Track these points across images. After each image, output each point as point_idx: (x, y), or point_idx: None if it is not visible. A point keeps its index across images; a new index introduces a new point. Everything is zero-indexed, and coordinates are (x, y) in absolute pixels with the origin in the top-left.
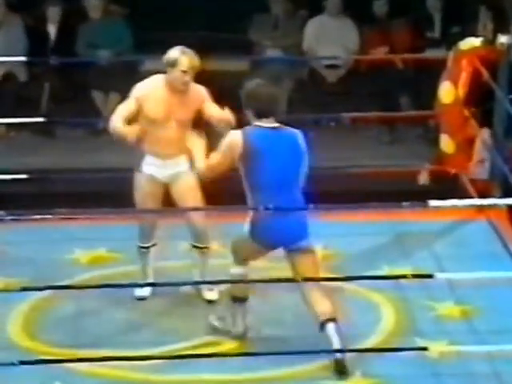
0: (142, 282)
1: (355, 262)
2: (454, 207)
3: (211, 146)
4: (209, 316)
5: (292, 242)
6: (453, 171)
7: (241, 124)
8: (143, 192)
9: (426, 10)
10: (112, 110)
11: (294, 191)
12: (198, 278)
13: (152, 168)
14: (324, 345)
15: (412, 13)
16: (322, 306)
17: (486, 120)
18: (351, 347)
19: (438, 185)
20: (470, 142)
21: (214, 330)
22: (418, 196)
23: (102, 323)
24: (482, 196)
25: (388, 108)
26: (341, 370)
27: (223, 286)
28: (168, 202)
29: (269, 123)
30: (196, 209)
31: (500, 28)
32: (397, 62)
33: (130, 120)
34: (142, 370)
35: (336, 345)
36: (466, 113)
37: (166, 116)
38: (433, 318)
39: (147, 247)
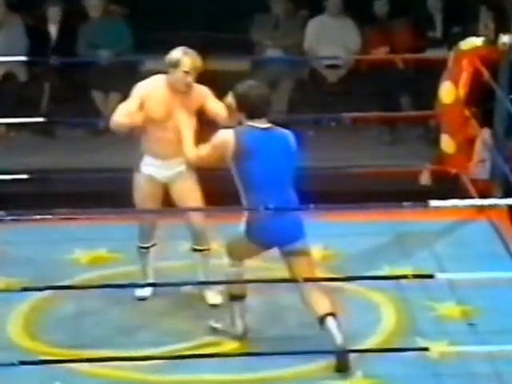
0: (142, 282)
1: (356, 262)
2: (455, 207)
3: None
4: (209, 318)
5: (288, 241)
6: (453, 171)
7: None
8: (143, 192)
9: (427, 10)
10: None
11: (288, 191)
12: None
13: (151, 168)
14: (325, 345)
15: (413, 13)
16: (321, 303)
17: (486, 120)
18: (352, 347)
19: (438, 185)
20: (470, 142)
21: (215, 331)
22: (419, 196)
23: (102, 323)
24: (483, 196)
25: (389, 108)
26: (343, 367)
27: (222, 286)
28: (168, 202)
29: (260, 124)
30: (195, 209)
31: (501, 28)
32: (397, 62)
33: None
34: (143, 371)
35: (337, 337)
36: (467, 113)
37: (166, 116)
38: (433, 319)
39: (147, 247)
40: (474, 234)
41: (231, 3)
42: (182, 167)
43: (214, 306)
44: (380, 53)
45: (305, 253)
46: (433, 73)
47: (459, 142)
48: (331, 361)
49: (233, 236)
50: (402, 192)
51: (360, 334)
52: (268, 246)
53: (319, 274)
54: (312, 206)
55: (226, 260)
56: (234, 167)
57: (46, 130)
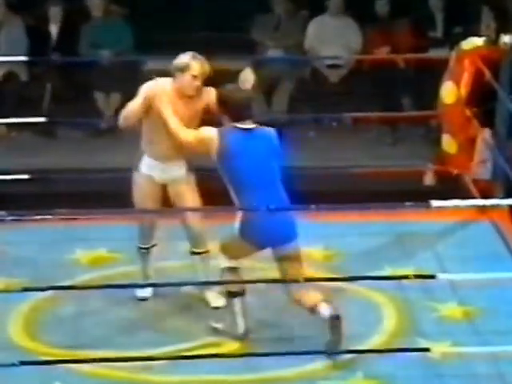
0: (142, 282)
1: (357, 262)
2: (457, 207)
3: None
4: (210, 319)
5: (281, 242)
6: (455, 171)
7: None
8: (142, 193)
9: (428, 10)
10: (113, 111)
11: (277, 190)
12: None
13: (150, 169)
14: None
15: (414, 12)
16: (311, 295)
17: (488, 120)
18: (353, 348)
19: (440, 185)
20: (472, 142)
21: (215, 332)
22: (420, 196)
23: (102, 324)
24: (485, 196)
25: (390, 108)
26: (336, 328)
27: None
28: (167, 203)
29: (244, 125)
30: (194, 209)
31: (502, 28)
32: (399, 61)
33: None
34: (143, 371)
35: (327, 312)
36: (469, 113)
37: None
38: (435, 319)
39: (147, 248)
40: (475, 234)
41: (232, 3)
42: (182, 169)
43: (216, 308)
44: (381, 53)
45: (296, 254)
46: (434, 73)
47: (461, 142)
48: (331, 361)
49: (227, 235)
50: (403, 192)
51: (361, 334)
52: (262, 247)
53: (308, 274)
54: (313, 206)
55: (220, 259)
56: (221, 168)
57: (47, 131)
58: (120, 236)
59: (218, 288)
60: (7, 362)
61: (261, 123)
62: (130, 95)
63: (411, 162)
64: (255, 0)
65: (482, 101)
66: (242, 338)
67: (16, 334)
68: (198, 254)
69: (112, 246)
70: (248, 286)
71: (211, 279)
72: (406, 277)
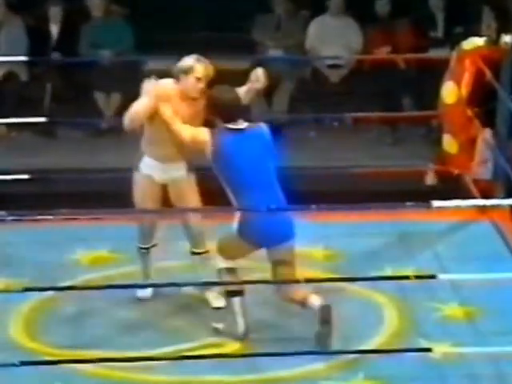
0: (143, 282)
1: (358, 262)
2: (457, 208)
3: None
4: (211, 319)
5: (280, 241)
6: (456, 171)
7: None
8: (142, 193)
9: (429, 10)
10: (114, 111)
11: (274, 188)
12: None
13: (150, 169)
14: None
15: (415, 12)
16: (301, 292)
17: (488, 120)
18: (354, 348)
19: (440, 185)
20: (473, 142)
21: (216, 332)
22: (421, 196)
23: (103, 324)
24: (485, 196)
25: (391, 108)
26: (326, 318)
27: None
28: (167, 203)
29: (236, 125)
30: (194, 210)
31: (503, 28)
32: (399, 61)
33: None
34: (144, 371)
35: (317, 303)
36: (469, 113)
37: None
38: (436, 319)
39: (147, 248)
40: (476, 234)
41: (233, 3)
42: (182, 170)
43: (217, 308)
44: (382, 53)
45: (292, 253)
46: (435, 73)
47: (461, 142)
48: (332, 361)
49: (224, 236)
50: (404, 192)
51: (362, 334)
52: (260, 245)
53: (299, 274)
54: (314, 206)
55: (217, 260)
56: (217, 169)
57: (48, 131)
58: (120, 236)
59: (218, 288)
60: (8, 362)
61: (251, 120)
62: (130, 95)
63: (412, 162)
64: (255, 0)
65: (483, 101)
66: (242, 337)
67: (16, 334)
68: (198, 254)
69: (112, 246)
70: (248, 287)
71: (211, 279)
72: (406, 277)
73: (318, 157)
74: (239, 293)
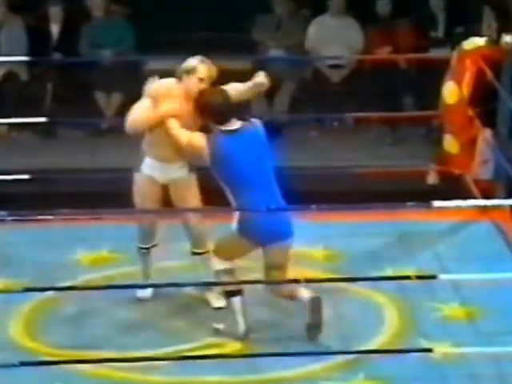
0: (143, 283)
1: (358, 262)
2: (458, 208)
3: None
4: (211, 319)
5: (280, 239)
6: (457, 172)
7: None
8: (142, 193)
9: (430, 10)
10: (115, 111)
11: (272, 185)
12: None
13: (151, 170)
14: (328, 346)
15: (415, 12)
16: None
17: (489, 120)
18: (354, 348)
19: (441, 185)
20: (473, 142)
21: (217, 332)
22: (422, 196)
23: (103, 324)
24: (486, 197)
25: (391, 108)
26: (316, 308)
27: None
28: (168, 204)
29: (230, 126)
30: (194, 210)
31: (504, 28)
32: (400, 61)
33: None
34: (145, 372)
35: (307, 295)
36: (470, 113)
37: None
38: (437, 320)
39: (147, 248)
40: (477, 234)
41: (233, 3)
42: (183, 170)
43: (218, 309)
44: (383, 53)
45: (287, 252)
46: (435, 73)
47: (462, 142)
48: (333, 361)
49: (222, 236)
50: (405, 192)
51: (362, 335)
52: (260, 244)
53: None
54: (314, 206)
55: (214, 261)
56: (215, 172)
57: (48, 131)
58: (121, 236)
59: (218, 289)
60: (8, 363)
61: (244, 118)
62: (131, 95)
63: (413, 162)
64: (256, 0)
65: (484, 101)
66: (242, 337)
67: (17, 334)
68: (199, 254)
69: (113, 247)
70: (247, 287)
71: (212, 280)
72: (407, 277)
73: (319, 157)
74: (238, 293)
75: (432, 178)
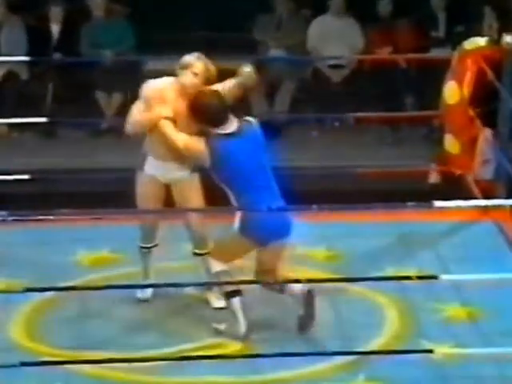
0: (143, 283)
1: (359, 262)
2: (459, 208)
3: None
4: (212, 320)
5: (281, 237)
6: (458, 172)
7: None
8: (145, 192)
9: (431, 10)
10: (115, 111)
11: (272, 184)
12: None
13: (153, 169)
14: (328, 346)
15: (416, 12)
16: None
17: (490, 120)
18: (355, 349)
19: (442, 185)
20: (474, 143)
21: (218, 333)
22: (423, 197)
23: (104, 325)
24: (487, 197)
25: (392, 108)
26: (310, 301)
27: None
28: (170, 204)
29: (226, 129)
30: (194, 210)
31: (505, 27)
32: (401, 61)
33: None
34: (145, 372)
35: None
36: (471, 113)
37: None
38: (438, 320)
39: (148, 248)
40: (478, 234)
41: (234, 3)
42: (185, 170)
43: (218, 309)
44: (383, 53)
45: (284, 249)
46: (436, 73)
47: (463, 142)
48: (333, 362)
49: (221, 238)
50: (406, 192)
51: (363, 335)
52: (263, 242)
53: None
54: (315, 206)
55: (212, 264)
56: (214, 174)
57: (49, 131)
58: (121, 237)
59: (218, 289)
60: (8, 363)
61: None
62: (131, 95)
63: (413, 162)
64: (257, 0)
65: (485, 101)
66: (244, 337)
67: (17, 334)
68: (200, 255)
69: (113, 247)
70: (248, 287)
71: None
72: (408, 278)
73: (320, 157)
74: (238, 293)
75: (433, 177)
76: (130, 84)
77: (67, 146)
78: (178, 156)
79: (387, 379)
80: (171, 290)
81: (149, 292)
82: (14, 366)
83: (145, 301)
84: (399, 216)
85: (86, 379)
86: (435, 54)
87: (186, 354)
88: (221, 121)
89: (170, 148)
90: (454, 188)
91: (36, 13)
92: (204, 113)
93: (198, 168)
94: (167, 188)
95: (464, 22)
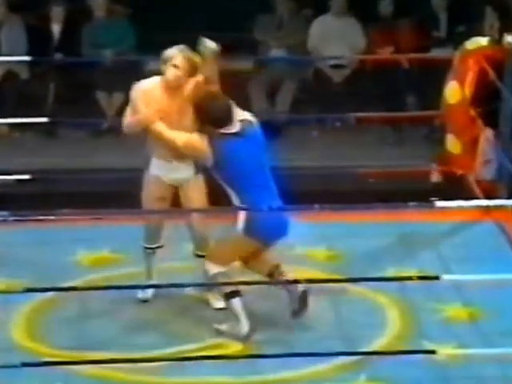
0: (144, 283)
1: (360, 263)
2: (460, 208)
3: None
4: (213, 320)
5: (283, 235)
6: (459, 172)
7: None
8: (149, 193)
9: (432, 10)
10: (116, 110)
11: (271, 184)
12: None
13: (157, 170)
14: (329, 346)
15: (417, 12)
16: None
17: (492, 120)
18: (356, 350)
19: (443, 185)
20: (476, 142)
21: (219, 333)
22: (424, 197)
23: (104, 325)
24: (489, 197)
25: (394, 108)
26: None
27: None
28: (178, 205)
29: (229, 129)
30: (195, 210)
31: (506, 27)
32: (402, 61)
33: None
34: (146, 372)
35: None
36: (473, 113)
37: (165, 117)
38: (440, 321)
39: (152, 248)
40: (479, 234)
41: (235, 3)
42: (189, 169)
43: (218, 309)
44: (384, 52)
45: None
46: (438, 73)
47: (465, 142)
48: (335, 363)
49: (220, 240)
50: (407, 192)
51: (364, 336)
52: (268, 242)
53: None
54: (317, 206)
55: (209, 267)
56: (216, 172)
57: (49, 131)
58: (122, 237)
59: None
60: (9, 363)
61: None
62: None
63: (415, 162)
64: (258, 0)
65: (486, 101)
66: (246, 337)
67: (18, 334)
68: (202, 256)
69: (113, 247)
70: (248, 288)
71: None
72: (409, 278)
73: (321, 157)
74: (237, 294)
75: (435, 177)
76: (130, 84)
77: (68, 146)
78: (180, 155)
79: (389, 379)
80: (172, 290)
81: (149, 292)
82: (15, 366)
83: (145, 301)
84: (400, 216)
85: (87, 379)
86: (436, 53)
87: (186, 355)
88: (225, 121)
89: (170, 148)
90: (455, 188)
91: (37, 12)
92: (208, 113)
93: (202, 169)
94: (175, 190)
95: (465, 22)
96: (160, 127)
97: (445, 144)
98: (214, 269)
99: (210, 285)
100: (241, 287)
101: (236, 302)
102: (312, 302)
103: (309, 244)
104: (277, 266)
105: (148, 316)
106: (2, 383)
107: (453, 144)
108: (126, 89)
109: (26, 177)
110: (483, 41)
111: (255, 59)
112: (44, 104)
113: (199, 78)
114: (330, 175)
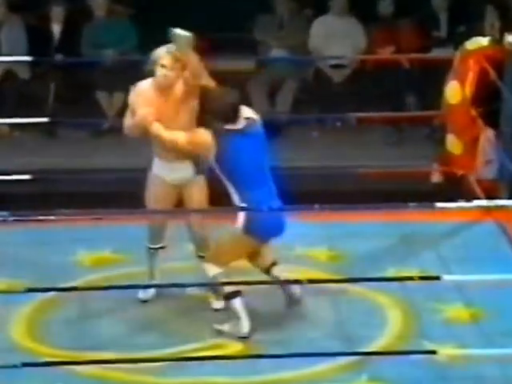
0: (145, 283)
1: (361, 263)
2: (461, 208)
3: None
4: (214, 320)
5: (280, 233)
6: (460, 172)
7: None
8: (153, 193)
9: (432, 10)
10: (117, 110)
11: (271, 183)
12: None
13: (159, 170)
14: (329, 347)
15: (418, 12)
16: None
17: (492, 120)
18: (357, 350)
19: (444, 185)
20: (476, 142)
21: (220, 333)
22: (425, 197)
23: (105, 325)
24: (490, 197)
25: (394, 108)
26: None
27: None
28: (183, 205)
29: (236, 125)
30: (195, 210)
31: (507, 27)
32: (403, 61)
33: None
34: (146, 373)
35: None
36: (473, 113)
37: (163, 119)
38: (440, 321)
39: (155, 248)
40: (480, 235)
41: (236, 3)
42: (189, 171)
43: (219, 310)
44: (385, 52)
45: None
46: (438, 73)
47: (465, 142)
48: (336, 363)
49: (219, 241)
50: (407, 193)
51: (365, 336)
52: (267, 239)
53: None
54: (317, 206)
55: (208, 268)
56: (218, 168)
57: (50, 131)
58: (122, 237)
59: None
60: (9, 363)
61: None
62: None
63: (416, 162)
64: (258, 0)
65: (487, 101)
66: (246, 338)
67: (18, 335)
68: (203, 257)
69: (114, 247)
70: (249, 288)
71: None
72: (410, 278)
73: (321, 157)
74: (238, 294)
75: (436, 177)
76: (131, 84)
77: (68, 146)
78: (180, 155)
79: (390, 380)
80: (173, 290)
81: (150, 292)
82: (15, 366)
83: (146, 301)
84: (401, 216)
85: (87, 379)
86: (437, 54)
87: (186, 355)
88: (232, 117)
89: (169, 149)
90: (456, 188)
91: (37, 12)
92: (217, 109)
93: (203, 170)
94: (177, 190)
95: (466, 22)
96: (157, 128)
97: (445, 144)
98: (212, 270)
99: (210, 285)
100: (241, 287)
101: (237, 302)
102: (312, 302)
103: (309, 244)
104: (273, 263)
105: (148, 316)
106: (2, 383)
107: (453, 144)
108: (127, 89)
109: (26, 177)
110: (484, 41)
111: (256, 59)
112: (44, 104)
113: (185, 73)
114: (330, 175)
